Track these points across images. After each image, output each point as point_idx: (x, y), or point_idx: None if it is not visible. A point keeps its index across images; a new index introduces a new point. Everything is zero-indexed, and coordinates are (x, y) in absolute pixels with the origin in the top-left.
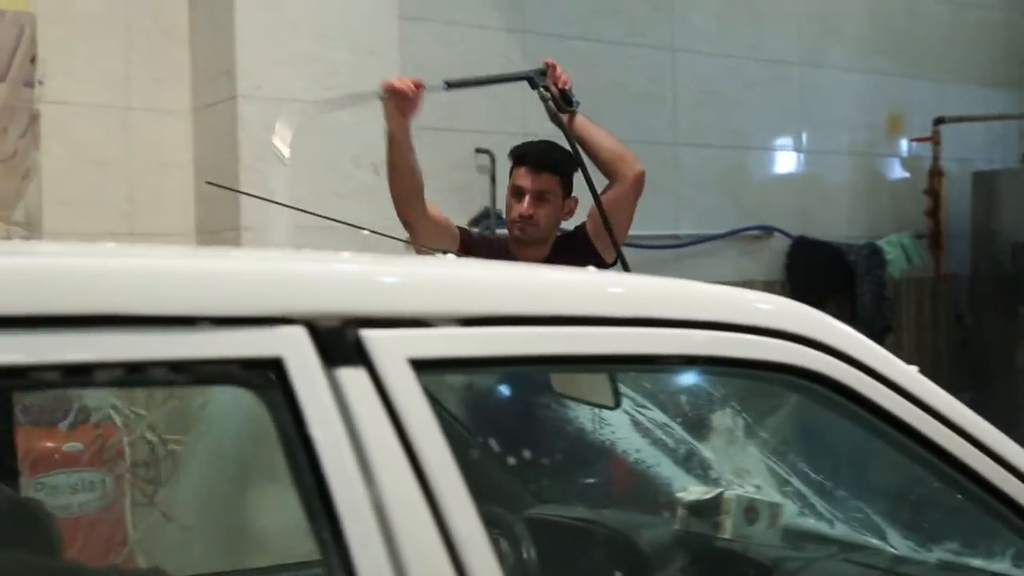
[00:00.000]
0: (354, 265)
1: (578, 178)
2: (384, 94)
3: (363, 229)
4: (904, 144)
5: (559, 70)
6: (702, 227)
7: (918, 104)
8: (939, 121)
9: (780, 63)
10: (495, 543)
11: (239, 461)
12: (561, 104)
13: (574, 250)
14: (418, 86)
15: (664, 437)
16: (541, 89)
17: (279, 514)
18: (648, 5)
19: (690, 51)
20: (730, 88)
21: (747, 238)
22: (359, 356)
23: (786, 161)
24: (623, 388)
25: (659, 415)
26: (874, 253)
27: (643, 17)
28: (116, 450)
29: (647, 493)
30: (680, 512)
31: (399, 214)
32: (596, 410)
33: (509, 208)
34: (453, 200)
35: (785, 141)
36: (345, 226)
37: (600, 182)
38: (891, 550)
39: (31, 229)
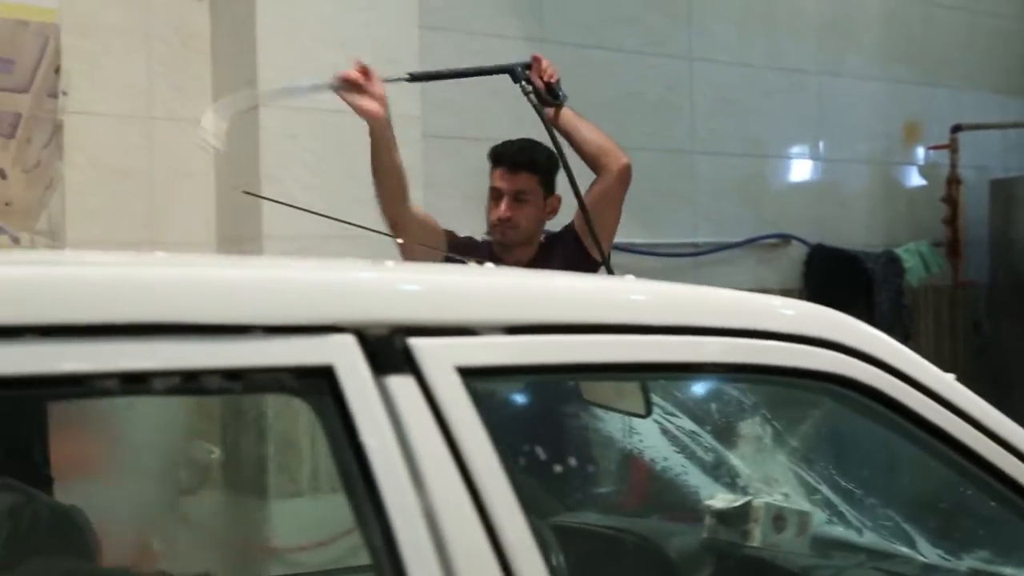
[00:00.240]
0: (401, 274)
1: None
2: (336, 83)
3: (392, 236)
4: (921, 152)
5: (545, 63)
6: (720, 235)
7: (935, 112)
8: (956, 129)
9: (797, 71)
10: None
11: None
12: (546, 98)
13: (562, 250)
14: (364, 72)
15: (692, 445)
16: (523, 83)
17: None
18: (666, 14)
19: (708, 60)
20: (748, 97)
21: (765, 246)
22: (407, 364)
23: (804, 169)
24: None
25: (687, 423)
26: (892, 261)
27: (661, 26)
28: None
29: (674, 501)
30: (709, 520)
31: (384, 214)
32: (626, 418)
33: (489, 211)
34: (471, 208)
35: (802, 149)
36: (365, 233)
37: (586, 179)
38: (921, 558)
39: (54, 239)
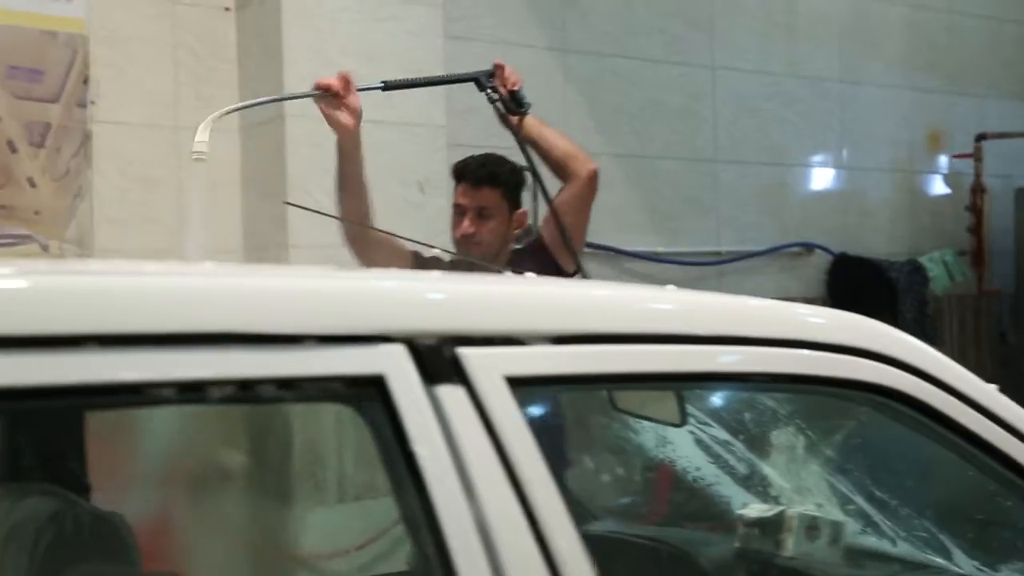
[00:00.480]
0: (449, 284)
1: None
2: (317, 90)
3: (433, 247)
4: (945, 160)
5: (507, 71)
6: (742, 244)
7: (959, 120)
8: (981, 137)
9: (820, 80)
10: None
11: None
12: (511, 106)
13: (530, 265)
14: (345, 80)
15: (725, 454)
16: (489, 91)
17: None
18: (688, 23)
19: (730, 68)
20: (770, 105)
21: (788, 255)
22: (457, 374)
23: (826, 178)
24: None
25: (721, 432)
26: (916, 270)
27: (683, 35)
28: None
29: (707, 510)
30: (741, 529)
31: (347, 232)
32: (665, 427)
33: (453, 228)
34: None
35: (825, 158)
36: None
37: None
38: (956, 569)
39: (82, 247)
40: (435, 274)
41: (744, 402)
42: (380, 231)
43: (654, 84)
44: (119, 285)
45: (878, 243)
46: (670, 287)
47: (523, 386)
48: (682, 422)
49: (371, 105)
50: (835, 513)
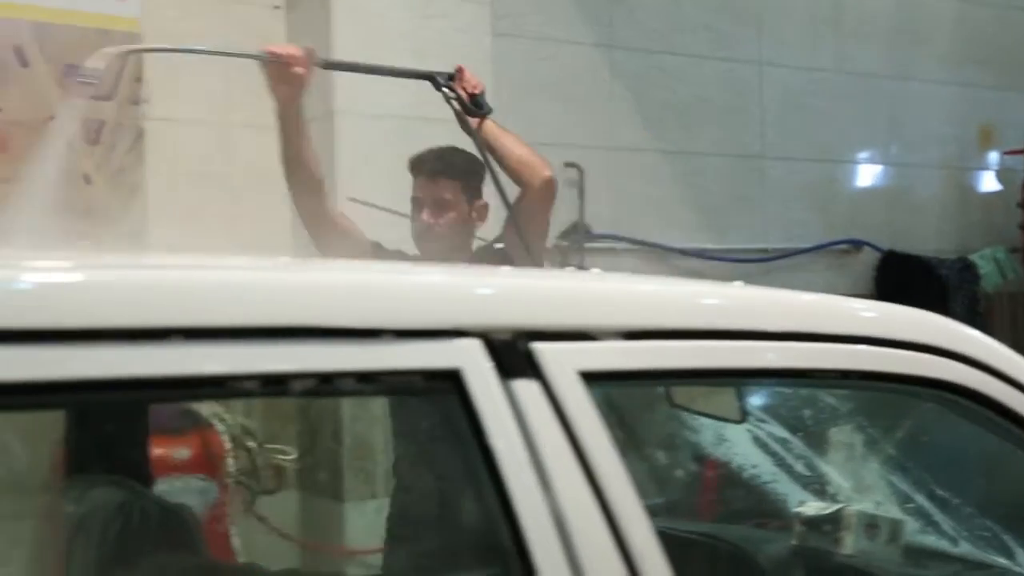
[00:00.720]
0: (523, 279)
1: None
2: (267, 56)
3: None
4: (996, 157)
5: (467, 75)
6: (790, 241)
7: (1010, 116)
8: None
9: (868, 76)
10: None
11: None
12: (470, 108)
13: (488, 262)
14: (304, 57)
15: (783, 452)
16: (445, 90)
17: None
18: (735, 19)
19: (777, 65)
20: (817, 101)
21: (835, 252)
22: (531, 368)
23: (874, 174)
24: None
25: (779, 429)
26: (966, 268)
27: (730, 31)
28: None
29: (765, 507)
30: (799, 527)
31: (298, 210)
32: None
33: (413, 222)
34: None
35: (873, 154)
36: None
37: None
38: (1018, 569)
39: (136, 243)
40: (508, 269)
41: (805, 399)
42: (344, 220)
43: (701, 80)
44: (204, 280)
45: (927, 240)
46: (738, 283)
47: (596, 381)
48: (742, 419)
49: (421, 102)
50: (894, 511)
